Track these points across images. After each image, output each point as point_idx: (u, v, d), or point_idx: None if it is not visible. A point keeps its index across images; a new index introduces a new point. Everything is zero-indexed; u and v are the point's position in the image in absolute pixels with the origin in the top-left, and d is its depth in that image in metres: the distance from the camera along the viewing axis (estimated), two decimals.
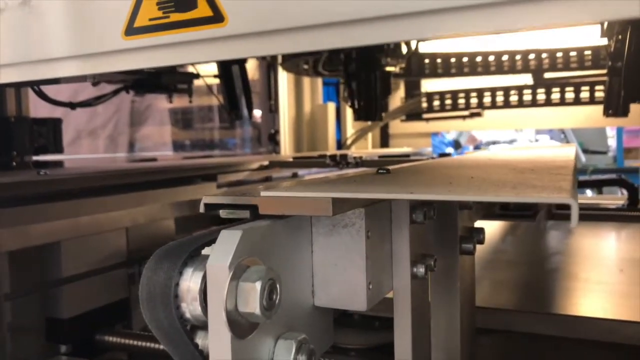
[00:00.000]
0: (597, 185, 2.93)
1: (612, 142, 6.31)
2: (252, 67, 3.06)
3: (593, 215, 2.07)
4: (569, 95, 2.52)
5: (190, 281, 0.47)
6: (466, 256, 0.77)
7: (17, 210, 0.98)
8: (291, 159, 2.14)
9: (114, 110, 2.98)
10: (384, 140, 3.36)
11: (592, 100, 2.49)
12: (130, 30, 0.57)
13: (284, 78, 3.11)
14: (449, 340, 0.77)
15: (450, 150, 5.82)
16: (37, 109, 1.85)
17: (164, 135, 3.27)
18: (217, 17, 0.52)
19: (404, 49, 2.01)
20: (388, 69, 1.94)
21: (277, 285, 0.47)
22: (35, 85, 1.51)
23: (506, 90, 2.63)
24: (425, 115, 2.94)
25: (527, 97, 2.59)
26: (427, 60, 2.44)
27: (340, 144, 3.35)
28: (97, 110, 2.92)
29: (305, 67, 2.18)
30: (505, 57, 2.41)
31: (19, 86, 1.61)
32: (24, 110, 1.76)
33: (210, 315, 0.45)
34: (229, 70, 1.85)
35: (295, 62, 2.19)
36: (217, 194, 0.55)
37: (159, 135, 3.24)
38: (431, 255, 0.65)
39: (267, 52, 0.52)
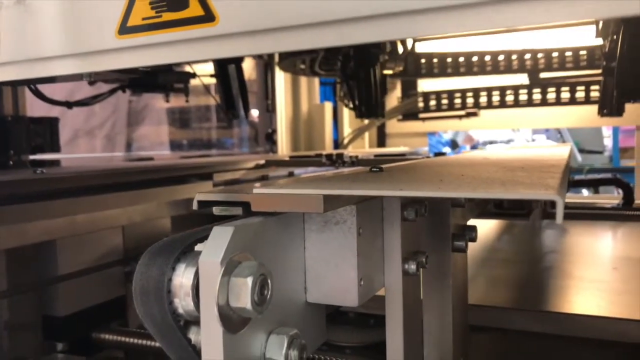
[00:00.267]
0: (593, 185, 2.95)
1: (608, 142, 6.33)
2: (249, 67, 3.07)
3: (588, 214, 2.08)
4: (565, 95, 2.53)
5: (183, 277, 0.48)
6: (458, 254, 0.78)
7: (13, 208, 0.98)
8: (287, 158, 2.14)
9: (111, 110, 2.98)
10: (381, 139, 3.37)
11: (587, 100, 2.50)
12: (124, 29, 0.58)
13: (281, 78, 3.11)
14: (441, 337, 0.78)
15: (447, 149, 5.83)
16: (34, 108, 1.86)
17: (162, 134, 3.27)
18: (208, 17, 0.53)
19: (400, 49, 2.01)
20: (385, 72, 1.95)
21: (269, 281, 0.47)
22: (31, 83, 1.51)
23: (502, 90, 2.64)
24: (421, 115, 2.94)
25: (523, 96, 2.60)
26: (423, 60, 2.45)
27: (337, 144, 3.35)
28: (95, 110, 2.92)
29: (302, 66, 2.19)
30: (501, 57, 2.42)
31: (14, 85, 1.61)
32: (20, 109, 1.77)
33: (203, 310, 0.45)
34: (226, 69, 1.85)
35: (292, 62, 2.20)
36: (211, 191, 0.56)
37: (157, 135, 3.24)
38: (422, 252, 0.66)
39: (259, 51, 0.53)
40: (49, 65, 0.64)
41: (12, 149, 1.68)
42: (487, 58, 2.41)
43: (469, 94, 2.72)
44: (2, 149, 1.66)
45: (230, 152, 3.67)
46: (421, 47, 2.44)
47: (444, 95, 2.80)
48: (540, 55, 2.39)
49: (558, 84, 2.53)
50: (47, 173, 1.24)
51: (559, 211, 0.40)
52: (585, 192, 3.69)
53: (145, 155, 2.93)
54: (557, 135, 6.39)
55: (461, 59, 2.43)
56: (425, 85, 2.95)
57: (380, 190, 0.49)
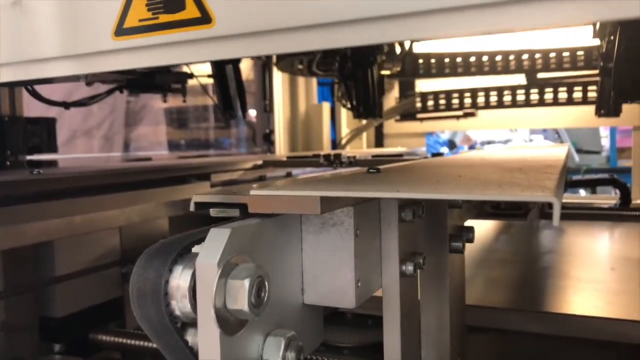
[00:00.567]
0: (590, 185, 2.95)
1: (605, 142, 6.34)
2: (246, 67, 3.06)
3: (585, 215, 2.09)
4: (562, 95, 2.54)
5: (179, 279, 0.48)
6: (456, 254, 0.78)
7: (10, 209, 0.98)
8: (285, 159, 2.14)
9: (109, 110, 2.98)
10: (379, 140, 3.37)
11: (584, 101, 2.50)
12: (120, 30, 0.58)
13: (278, 78, 3.11)
14: (438, 338, 0.78)
15: (444, 150, 5.83)
16: (31, 108, 1.86)
17: (159, 135, 3.27)
18: (204, 18, 0.53)
19: (398, 50, 2.02)
20: (383, 72, 1.95)
21: (266, 283, 0.47)
22: (29, 85, 1.51)
23: (500, 91, 2.65)
24: (419, 115, 2.94)
25: (521, 97, 2.60)
26: (421, 61, 2.45)
27: (335, 144, 3.35)
28: (92, 110, 2.92)
29: (300, 67, 2.19)
30: (499, 58, 2.42)
31: (11, 86, 1.61)
32: (17, 110, 1.76)
33: (200, 312, 0.45)
34: (223, 70, 1.85)
35: (289, 62, 2.20)
36: (208, 192, 0.56)
37: (154, 135, 3.24)
38: (420, 254, 0.66)
39: (256, 53, 0.53)
40: (45, 66, 0.64)
41: (9, 149, 1.68)
42: (485, 58, 2.41)
43: (467, 94, 2.72)
44: None
45: (227, 153, 3.67)
46: (419, 48, 2.44)
47: (442, 96, 2.80)
48: (537, 55, 2.39)
49: (555, 84, 2.53)
50: (44, 174, 1.24)
51: (556, 213, 0.40)
52: (582, 192, 3.69)
53: (143, 155, 2.93)
54: (555, 135, 6.40)
55: (459, 59, 2.43)
56: (423, 85, 2.95)
57: (378, 192, 0.49)
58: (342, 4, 0.49)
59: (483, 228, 1.90)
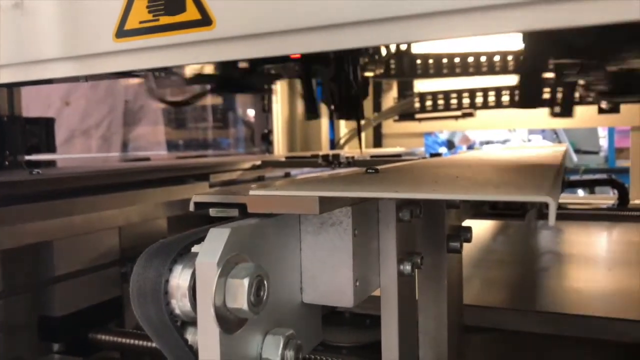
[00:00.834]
0: (588, 185, 2.96)
1: (603, 142, 6.36)
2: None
3: (584, 215, 2.10)
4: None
5: (179, 278, 0.48)
6: (453, 254, 0.79)
7: (9, 209, 0.98)
8: (284, 159, 2.15)
9: (107, 110, 2.98)
10: (377, 140, 3.38)
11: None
12: (121, 32, 0.58)
13: None
14: (436, 338, 0.79)
15: (443, 150, 5.84)
16: (30, 108, 1.86)
17: (158, 135, 3.27)
18: (205, 20, 0.54)
19: (384, 52, 2.01)
20: (367, 74, 1.95)
21: (265, 282, 0.48)
22: (28, 85, 1.52)
23: (498, 91, 2.65)
24: (417, 116, 2.95)
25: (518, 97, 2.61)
26: (419, 61, 2.45)
27: (333, 144, 3.36)
28: (90, 111, 2.92)
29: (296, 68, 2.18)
30: (497, 58, 2.43)
31: (11, 86, 1.62)
32: (16, 110, 1.77)
33: (199, 311, 0.46)
34: (309, 69, 1.81)
35: None
36: (207, 192, 0.56)
37: (153, 135, 3.24)
38: (418, 253, 0.66)
39: (256, 55, 0.53)
40: (46, 68, 0.64)
41: (7, 149, 1.68)
42: (483, 59, 2.42)
43: (465, 94, 2.73)
44: None
45: (226, 153, 3.67)
46: (417, 48, 2.45)
47: (440, 96, 2.81)
48: None
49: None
50: (43, 174, 1.24)
51: (552, 213, 0.40)
52: (581, 192, 3.70)
53: (142, 155, 2.92)
54: (553, 135, 6.41)
55: (457, 60, 2.44)
56: (421, 86, 2.96)
57: (376, 192, 0.50)
58: (342, 6, 0.50)
59: (481, 228, 1.91)
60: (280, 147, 3.13)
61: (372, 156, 2.22)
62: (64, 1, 0.61)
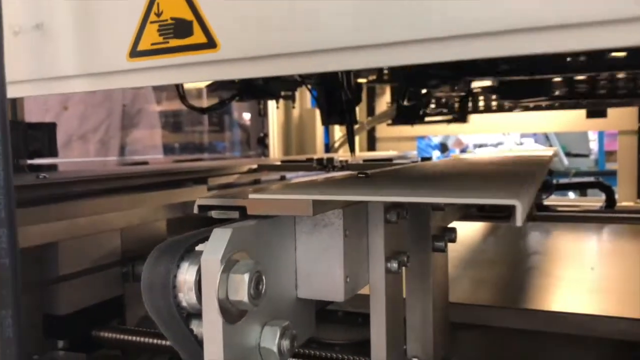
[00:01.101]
0: (576, 188, 3.01)
1: (594, 146, 6.41)
2: None
3: (571, 217, 2.15)
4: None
5: (186, 273, 0.53)
6: (439, 254, 0.83)
7: (19, 212, 1.01)
8: (279, 163, 2.18)
9: (105, 114, 3.00)
10: (371, 143, 3.41)
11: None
12: (134, 52, 0.63)
13: None
14: (423, 333, 0.82)
15: (436, 153, 5.88)
16: (32, 113, 1.89)
17: (155, 138, 3.29)
18: (210, 44, 0.59)
19: None
20: (360, 80, 1.98)
21: (263, 277, 0.53)
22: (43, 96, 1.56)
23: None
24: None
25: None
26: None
27: (328, 148, 3.39)
28: (88, 115, 2.95)
29: None
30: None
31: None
32: (19, 115, 1.80)
33: (204, 303, 0.50)
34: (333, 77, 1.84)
35: None
36: (209, 196, 0.61)
37: (150, 139, 3.26)
38: (404, 252, 0.71)
39: (257, 75, 0.58)
40: (64, 83, 0.69)
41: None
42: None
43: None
44: None
45: (222, 156, 3.70)
46: None
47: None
48: None
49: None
50: (49, 178, 1.27)
51: (518, 215, 0.45)
52: (572, 195, 3.76)
53: (140, 159, 2.95)
54: (545, 138, 6.45)
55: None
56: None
57: (364, 196, 0.55)
58: (331, 35, 0.54)
59: (472, 230, 1.95)
60: (275, 151, 3.16)
61: (364, 160, 2.26)
62: (82, 24, 0.66)
